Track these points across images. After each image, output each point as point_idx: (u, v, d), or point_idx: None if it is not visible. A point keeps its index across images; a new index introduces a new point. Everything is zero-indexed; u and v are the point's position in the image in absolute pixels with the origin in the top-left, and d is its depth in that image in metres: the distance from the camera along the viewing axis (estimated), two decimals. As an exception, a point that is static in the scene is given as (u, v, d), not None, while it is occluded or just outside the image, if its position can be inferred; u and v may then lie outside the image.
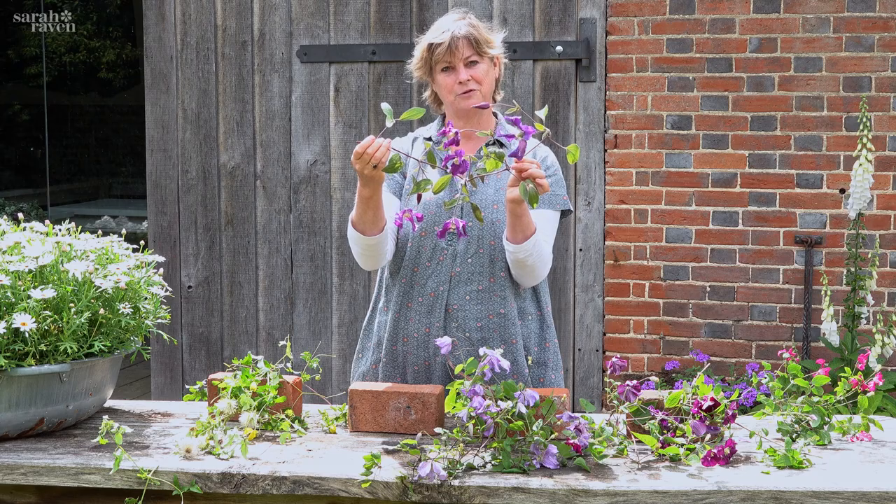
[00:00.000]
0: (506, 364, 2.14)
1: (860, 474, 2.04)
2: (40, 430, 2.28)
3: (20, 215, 2.63)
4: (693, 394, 2.18)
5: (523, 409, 2.09)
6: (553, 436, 2.11)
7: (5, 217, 2.50)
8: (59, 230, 2.42)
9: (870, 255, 4.30)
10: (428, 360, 2.75)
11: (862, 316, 4.23)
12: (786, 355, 2.37)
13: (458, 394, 2.20)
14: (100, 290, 2.23)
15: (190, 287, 5.00)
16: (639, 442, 2.16)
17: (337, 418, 2.41)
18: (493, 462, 2.08)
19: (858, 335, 4.30)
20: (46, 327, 2.17)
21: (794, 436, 2.23)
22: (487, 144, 2.73)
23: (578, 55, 4.62)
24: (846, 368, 2.46)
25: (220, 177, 4.96)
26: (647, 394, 2.25)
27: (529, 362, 2.76)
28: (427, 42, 2.74)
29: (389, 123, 2.27)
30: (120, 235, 2.48)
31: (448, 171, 2.23)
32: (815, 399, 2.27)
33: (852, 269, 4.23)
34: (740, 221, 4.62)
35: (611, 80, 4.65)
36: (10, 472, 2.13)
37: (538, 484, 2.00)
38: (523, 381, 2.72)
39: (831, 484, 1.98)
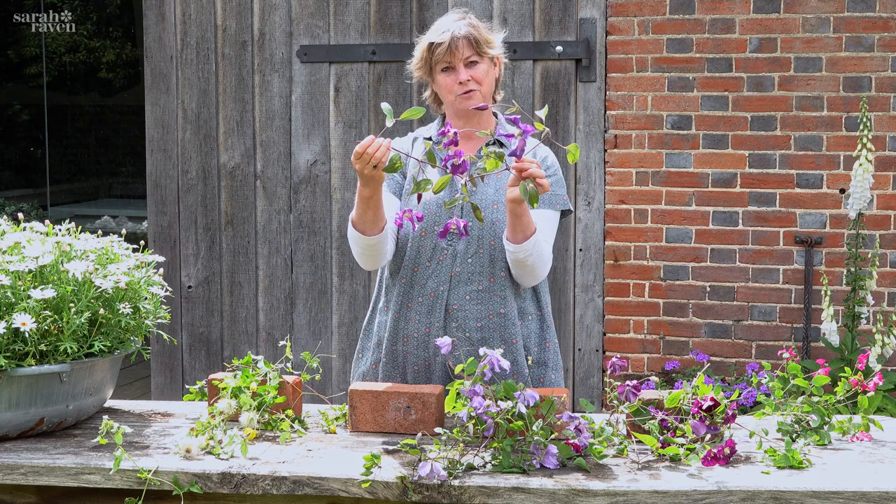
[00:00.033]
0: (506, 364, 2.14)
1: (860, 474, 2.04)
2: (40, 430, 2.28)
3: (20, 215, 2.63)
4: (693, 394, 2.18)
5: (523, 409, 2.09)
6: (553, 436, 2.11)
7: (5, 217, 2.50)
8: (59, 230, 2.42)
9: (870, 255, 4.30)
10: (428, 360, 2.75)
11: (862, 316, 4.23)
12: (786, 355, 2.37)
13: (458, 394, 2.20)
14: (100, 290, 2.23)
15: (190, 287, 5.00)
16: (639, 442, 2.16)
17: (337, 418, 2.41)
18: (493, 462, 2.08)
19: (858, 335, 4.30)
20: (46, 327, 2.17)
21: (794, 436, 2.23)
22: (487, 144, 2.73)
23: (578, 55, 4.62)
24: (846, 368, 2.46)
25: (220, 177, 4.96)
26: (647, 394, 2.25)
27: (529, 362, 2.76)
28: (427, 42, 2.74)
29: (389, 123, 2.27)
30: (120, 235, 2.48)
31: (448, 171, 2.24)
32: (815, 399, 2.27)
33: (852, 269, 4.23)
34: (740, 221, 4.62)
35: (611, 80, 4.65)
36: (10, 472, 2.13)
37: (538, 484, 2.00)
38: (523, 381, 2.72)
39: (831, 484, 1.98)
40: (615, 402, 2.20)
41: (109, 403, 2.55)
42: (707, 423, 2.13)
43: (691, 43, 4.59)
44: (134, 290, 2.34)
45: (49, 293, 2.15)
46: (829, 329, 4.18)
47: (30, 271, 2.20)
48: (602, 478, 2.03)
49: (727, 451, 2.07)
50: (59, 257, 2.25)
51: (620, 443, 2.17)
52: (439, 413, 2.31)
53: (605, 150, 4.68)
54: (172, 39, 4.95)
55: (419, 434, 2.19)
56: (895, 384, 4.07)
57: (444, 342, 2.21)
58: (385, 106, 2.28)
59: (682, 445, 2.11)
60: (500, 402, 2.10)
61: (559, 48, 4.61)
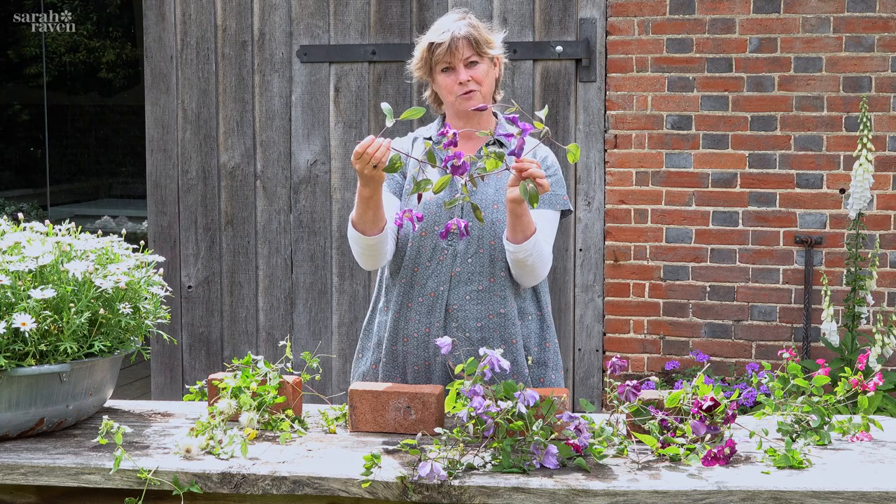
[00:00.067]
0: (506, 364, 2.14)
1: (860, 474, 2.04)
2: (40, 430, 2.28)
3: (20, 215, 2.63)
4: (693, 394, 2.18)
5: (523, 409, 2.09)
6: (553, 436, 2.11)
7: (5, 217, 2.50)
8: (59, 230, 2.42)
9: (870, 255, 4.30)
10: (428, 360, 2.75)
11: (862, 316, 4.23)
12: (786, 355, 2.37)
13: (458, 394, 2.20)
14: (100, 290, 2.23)
15: (190, 287, 5.00)
16: (639, 442, 2.16)
17: (337, 418, 2.41)
18: (493, 462, 2.08)
19: (858, 335, 4.30)
20: (46, 327, 2.17)
21: (794, 436, 2.23)
22: (487, 144, 2.74)
23: (578, 55, 4.62)
24: (846, 368, 2.46)
25: (220, 177, 4.96)
26: (647, 394, 2.25)
27: (529, 362, 2.76)
28: (427, 42, 2.74)
29: (389, 123, 2.27)
30: (120, 235, 2.48)
31: (448, 171, 2.24)
32: (815, 399, 2.27)
33: (852, 269, 4.23)
34: (740, 221, 4.62)
35: (611, 80, 4.65)
36: (10, 472, 2.13)
37: (538, 484, 2.00)
38: (523, 381, 2.72)
39: (831, 484, 1.98)
40: (615, 402, 2.20)
41: (109, 403, 2.55)
42: (707, 423, 2.13)
43: (691, 43, 4.59)
44: (134, 290, 2.34)
45: (49, 293, 2.15)
46: (829, 329, 4.18)
47: (30, 271, 2.20)
48: (602, 478, 2.03)
49: (727, 451, 2.07)
50: (59, 257, 2.25)
51: (620, 443, 2.17)
52: (439, 413, 2.31)
53: (605, 150, 4.68)
54: (172, 39, 4.95)
55: (419, 434, 2.19)
56: (895, 384, 4.07)
57: (444, 342, 2.21)
58: (385, 106, 2.28)
59: (682, 445, 2.11)
60: (500, 402, 2.10)
61: (559, 48, 4.61)
